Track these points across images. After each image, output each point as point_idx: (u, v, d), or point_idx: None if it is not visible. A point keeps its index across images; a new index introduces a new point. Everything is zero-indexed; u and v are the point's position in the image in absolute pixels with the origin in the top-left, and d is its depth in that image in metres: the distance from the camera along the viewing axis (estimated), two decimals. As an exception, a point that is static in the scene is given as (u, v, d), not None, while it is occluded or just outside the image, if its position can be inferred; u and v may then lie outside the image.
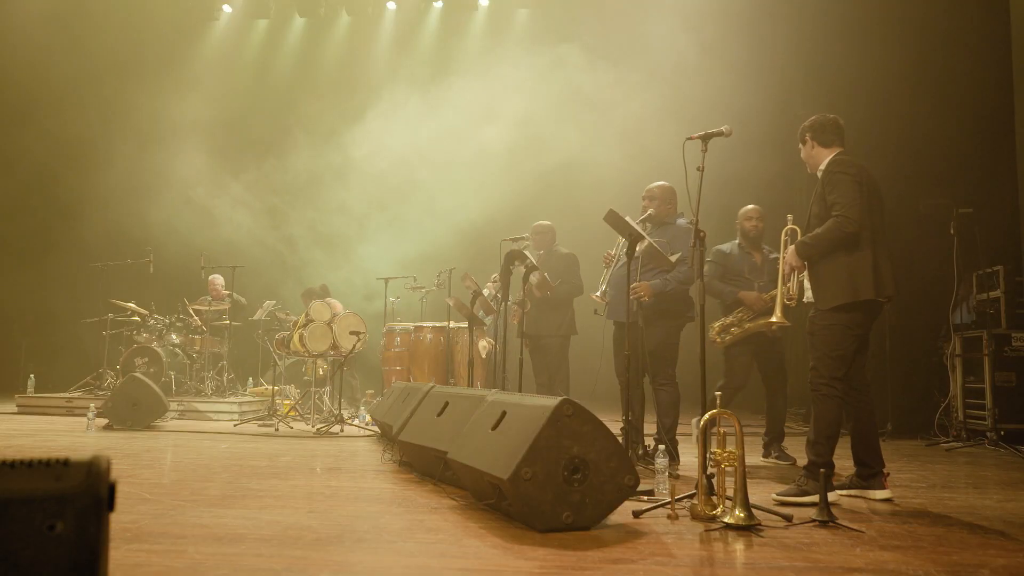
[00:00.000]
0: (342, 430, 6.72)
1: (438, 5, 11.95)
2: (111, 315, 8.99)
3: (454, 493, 3.73)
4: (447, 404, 4.20)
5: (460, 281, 6.56)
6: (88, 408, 6.87)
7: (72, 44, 11.15)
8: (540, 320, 6.15)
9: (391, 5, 12.00)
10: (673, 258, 4.68)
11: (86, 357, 9.85)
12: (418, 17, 12.01)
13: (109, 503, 1.24)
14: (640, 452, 4.63)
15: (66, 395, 8.60)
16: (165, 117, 11.23)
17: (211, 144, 11.07)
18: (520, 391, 4.92)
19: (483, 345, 6.99)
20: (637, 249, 4.45)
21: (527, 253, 5.45)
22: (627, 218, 4.53)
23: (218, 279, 9.43)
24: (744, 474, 3.05)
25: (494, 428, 3.32)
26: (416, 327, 7.79)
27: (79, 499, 1.21)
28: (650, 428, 5.03)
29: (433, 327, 7.70)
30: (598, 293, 4.84)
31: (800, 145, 4.08)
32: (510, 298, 5.68)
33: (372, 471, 4.55)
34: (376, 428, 6.53)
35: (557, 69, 9.94)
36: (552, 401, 3.04)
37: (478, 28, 11.78)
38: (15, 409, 8.38)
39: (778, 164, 8.31)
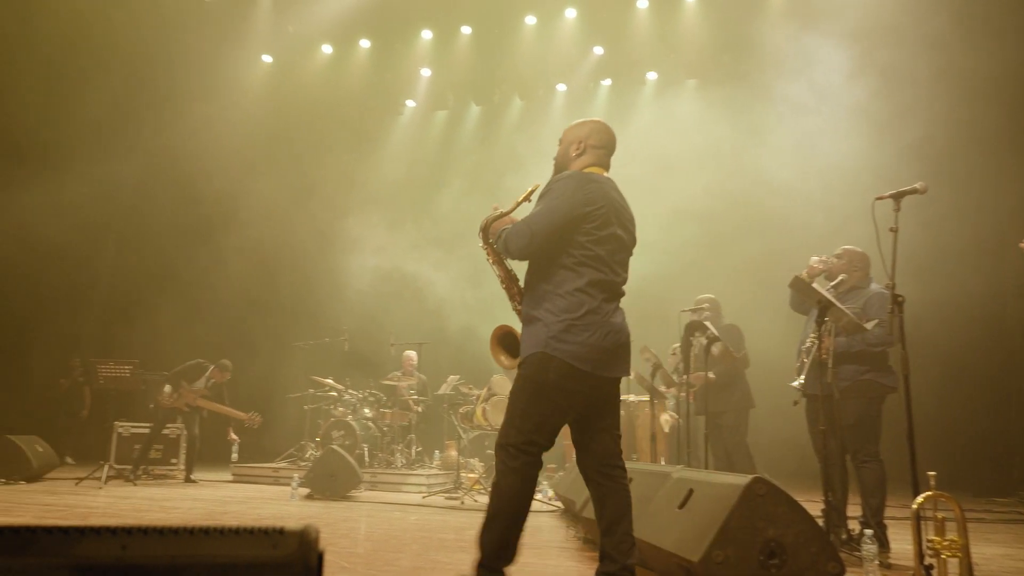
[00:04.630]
0: (524, 504, 6.73)
1: (606, 83, 12.27)
2: (311, 390, 9.68)
3: (641, 574, 3.60)
4: (630, 480, 4.11)
5: (639, 354, 6.49)
6: (292, 478, 7.38)
7: (272, 126, 12.45)
8: (712, 396, 5.95)
9: (561, 87, 12.46)
10: (869, 325, 4.37)
11: (290, 429, 10.61)
12: (587, 96, 12.39)
13: (318, 571, 1.31)
14: (844, 537, 4.26)
15: (273, 465, 9.30)
16: (354, 198, 12.13)
17: (399, 227, 11.81)
18: (707, 467, 4.73)
19: (665, 419, 6.82)
20: (827, 317, 4.21)
21: (708, 324, 5.31)
22: (815, 285, 4.32)
23: (412, 355, 9.90)
24: (970, 566, 2.72)
25: (681, 507, 3.21)
26: (595, 400, 7.74)
27: (293, 566, 1.29)
28: (854, 510, 4.64)
29: (613, 400, 7.62)
30: (796, 383, 4.51)
31: None
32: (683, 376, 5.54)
33: (556, 548, 4.50)
34: (559, 503, 6.49)
35: (729, 136, 9.83)
36: (743, 479, 2.89)
37: (647, 100, 11.95)
38: (230, 477, 9.17)
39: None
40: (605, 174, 3.11)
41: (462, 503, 6.95)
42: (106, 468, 7.85)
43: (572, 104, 12.44)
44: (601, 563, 2.91)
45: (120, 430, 8.89)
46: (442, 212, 11.84)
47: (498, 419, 7.50)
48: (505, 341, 3.13)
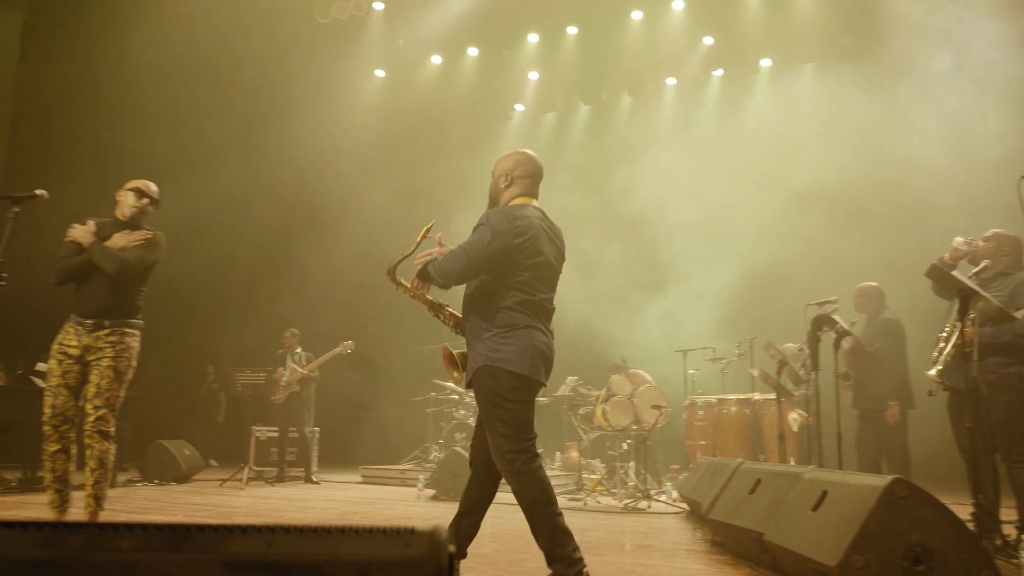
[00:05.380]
0: (649, 506, 6.64)
1: (717, 74, 11.94)
2: (433, 393, 9.92)
3: (773, 578, 3.47)
4: (759, 481, 3.98)
5: (763, 350, 6.28)
6: (418, 479, 7.58)
7: (385, 136, 12.93)
8: (866, 390, 5.64)
9: (671, 80, 12.21)
10: (1019, 314, 4.05)
11: (414, 432, 10.89)
12: (698, 88, 12.09)
13: (449, 570, 1.34)
14: (998, 543, 3.96)
15: (399, 467, 9.59)
16: (462, 198, 12.30)
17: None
18: (841, 468, 4.52)
19: (794, 417, 6.56)
20: (971, 307, 3.93)
21: (836, 318, 5.07)
22: (955, 272, 4.04)
23: None
24: None
25: (814, 509, 3.07)
26: (719, 399, 7.56)
27: (425, 566, 1.32)
28: (1007, 514, 4.30)
29: (737, 399, 7.42)
30: (933, 372, 4.23)
31: None
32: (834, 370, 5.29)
33: (683, 550, 4.41)
34: (684, 505, 6.36)
35: (854, 118, 9.36)
36: (881, 480, 2.74)
37: (762, 87, 11.55)
38: (359, 479, 9.52)
39: None
40: (534, 202, 3.48)
41: (585, 504, 6.92)
42: (246, 470, 8.32)
43: (683, 97, 12.18)
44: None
45: (257, 434, 9.41)
46: (549, 207, 11.82)
47: (619, 420, 7.44)
48: (451, 360, 3.53)
